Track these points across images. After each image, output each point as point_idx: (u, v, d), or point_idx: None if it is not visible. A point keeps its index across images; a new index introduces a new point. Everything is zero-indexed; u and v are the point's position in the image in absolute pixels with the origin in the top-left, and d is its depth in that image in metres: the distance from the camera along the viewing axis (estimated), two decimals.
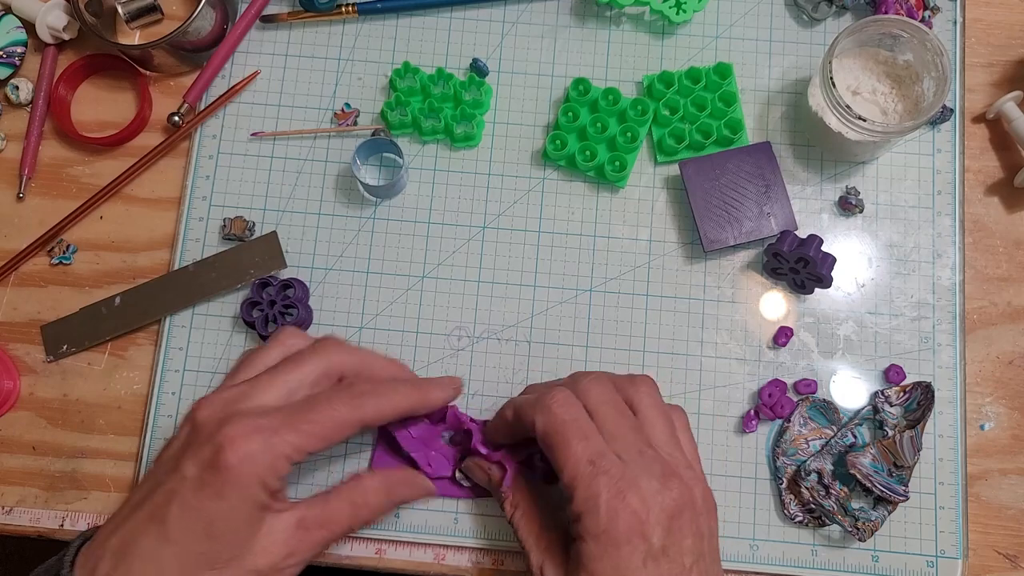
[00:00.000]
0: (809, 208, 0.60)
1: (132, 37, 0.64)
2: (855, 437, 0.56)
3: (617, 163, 0.59)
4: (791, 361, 0.58)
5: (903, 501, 0.54)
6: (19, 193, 0.61)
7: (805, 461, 0.56)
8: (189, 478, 0.42)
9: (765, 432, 0.57)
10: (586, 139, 0.60)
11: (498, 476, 0.51)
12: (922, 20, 0.61)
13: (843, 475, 0.55)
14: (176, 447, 0.45)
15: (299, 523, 0.46)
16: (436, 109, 0.61)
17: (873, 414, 0.57)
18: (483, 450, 0.52)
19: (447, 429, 0.55)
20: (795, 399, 0.57)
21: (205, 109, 0.62)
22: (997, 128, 0.62)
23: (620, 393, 0.49)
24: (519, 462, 0.52)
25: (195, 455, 0.43)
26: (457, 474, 0.54)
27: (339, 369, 0.48)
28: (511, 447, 0.52)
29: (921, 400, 0.56)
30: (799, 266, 0.57)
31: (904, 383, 0.57)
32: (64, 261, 0.61)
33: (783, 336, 0.58)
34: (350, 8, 0.63)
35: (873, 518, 0.54)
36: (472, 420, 0.54)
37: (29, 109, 0.63)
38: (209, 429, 0.43)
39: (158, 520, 0.42)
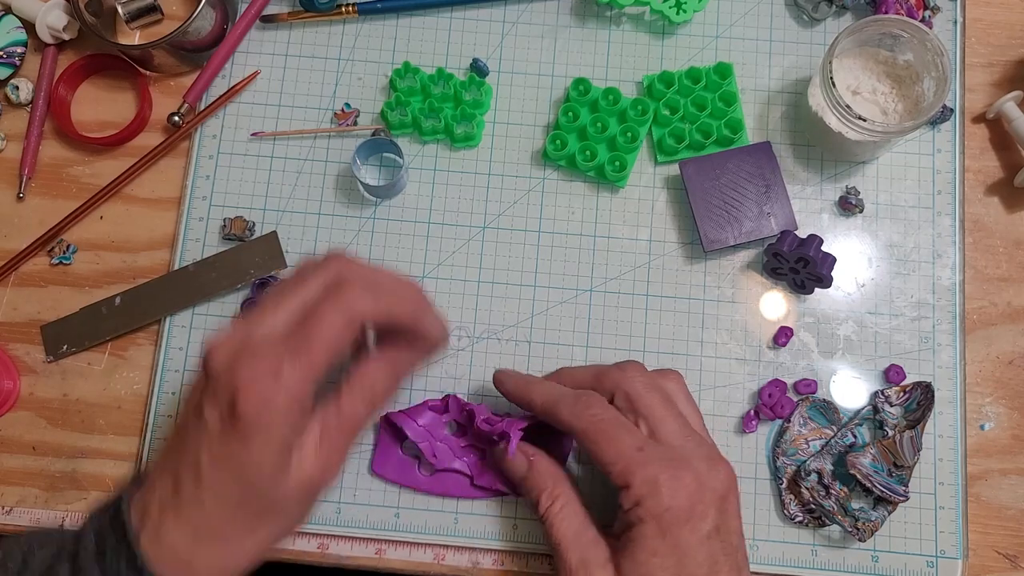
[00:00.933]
0: (809, 208, 0.60)
1: (132, 37, 0.64)
2: (855, 437, 0.56)
3: (617, 163, 0.59)
4: (791, 361, 0.58)
5: (903, 501, 0.54)
6: (19, 193, 0.61)
7: (805, 461, 0.56)
8: (212, 427, 0.42)
9: (765, 432, 0.57)
10: (586, 139, 0.60)
11: (525, 461, 0.51)
12: (922, 20, 0.61)
13: (843, 475, 0.55)
14: (197, 394, 0.44)
15: (322, 438, 0.45)
16: (436, 109, 0.61)
17: (873, 414, 0.57)
18: (486, 427, 0.52)
19: (451, 419, 0.56)
20: (795, 399, 0.57)
21: (205, 109, 0.62)
22: (997, 128, 0.62)
23: None
24: (522, 430, 0.52)
25: (213, 403, 0.43)
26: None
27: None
28: (512, 418, 0.53)
29: (921, 400, 0.56)
30: (799, 266, 0.57)
31: (904, 383, 0.57)
32: (64, 261, 0.61)
33: (783, 336, 0.58)
34: (350, 8, 0.63)
35: (873, 518, 0.54)
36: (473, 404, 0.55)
37: (29, 109, 0.63)
38: (224, 378, 0.43)
39: (193, 468, 0.43)
